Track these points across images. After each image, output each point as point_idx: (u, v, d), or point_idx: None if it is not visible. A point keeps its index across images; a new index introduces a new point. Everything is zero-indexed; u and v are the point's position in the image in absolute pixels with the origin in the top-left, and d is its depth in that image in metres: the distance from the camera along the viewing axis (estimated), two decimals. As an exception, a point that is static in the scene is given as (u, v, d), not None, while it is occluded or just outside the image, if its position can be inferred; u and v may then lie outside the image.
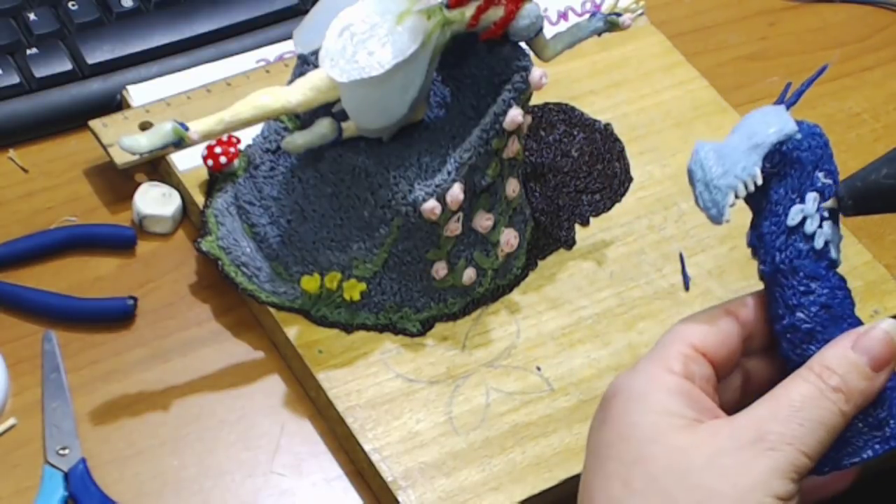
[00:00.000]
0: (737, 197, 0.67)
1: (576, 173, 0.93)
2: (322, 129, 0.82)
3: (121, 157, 0.89)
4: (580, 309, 0.87)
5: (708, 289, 0.89)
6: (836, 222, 0.68)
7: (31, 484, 0.78)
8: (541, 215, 0.90)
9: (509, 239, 0.86)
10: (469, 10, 0.81)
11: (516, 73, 0.82)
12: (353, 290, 0.83)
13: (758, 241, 0.68)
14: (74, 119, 0.94)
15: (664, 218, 0.92)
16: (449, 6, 0.80)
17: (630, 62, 1.01)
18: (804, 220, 0.66)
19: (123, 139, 0.77)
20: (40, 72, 0.94)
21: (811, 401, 0.62)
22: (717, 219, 0.67)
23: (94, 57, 0.95)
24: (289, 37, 0.94)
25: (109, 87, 0.95)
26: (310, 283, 0.83)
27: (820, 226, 0.66)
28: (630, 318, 0.87)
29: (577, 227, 0.91)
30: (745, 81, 1.05)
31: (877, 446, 0.65)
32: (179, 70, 0.96)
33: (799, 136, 0.67)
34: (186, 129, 0.77)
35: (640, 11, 0.88)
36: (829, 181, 0.67)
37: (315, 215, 0.84)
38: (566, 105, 0.97)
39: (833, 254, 0.67)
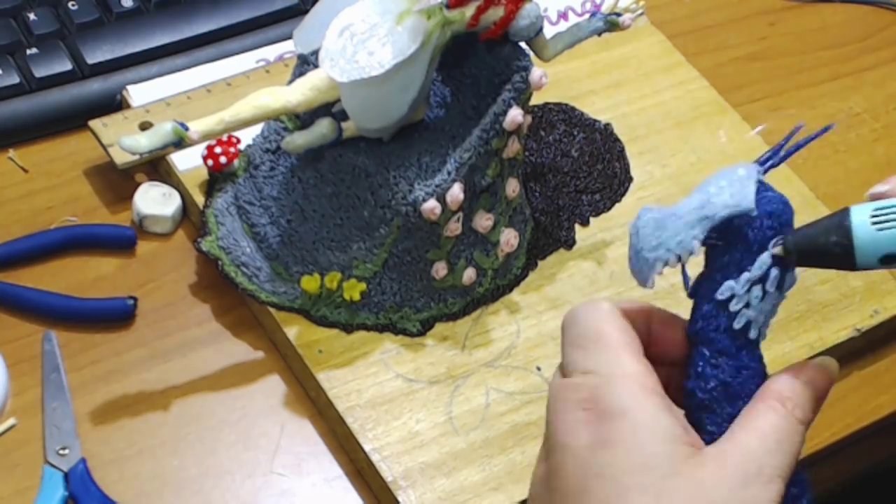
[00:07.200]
0: (667, 264, 0.65)
1: (576, 173, 0.93)
2: (322, 129, 0.82)
3: (121, 157, 0.89)
4: (580, 309, 0.87)
5: (708, 289, 0.89)
6: (776, 293, 0.66)
7: (31, 484, 0.78)
8: (541, 215, 0.90)
9: (509, 239, 0.86)
10: (469, 10, 0.81)
11: (516, 73, 0.82)
12: (353, 290, 0.83)
13: (694, 296, 0.67)
14: (74, 119, 0.93)
15: (664, 218, 0.92)
16: (449, 6, 0.80)
17: (630, 62, 1.01)
18: (731, 297, 0.65)
19: (123, 139, 0.77)
20: (40, 72, 0.94)
21: (785, 431, 0.64)
22: (642, 284, 0.66)
23: (94, 57, 0.95)
24: (289, 37, 0.94)
25: (109, 87, 0.95)
26: (310, 283, 0.83)
27: (747, 305, 0.65)
28: (630, 318, 0.87)
29: (577, 227, 0.91)
30: (745, 81, 1.05)
31: None
32: (179, 70, 0.96)
33: (755, 212, 0.64)
34: (186, 129, 0.77)
35: (640, 11, 0.88)
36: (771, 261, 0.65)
37: (315, 215, 0.84)
38: (566, 105, 0.97)
39: (752, 333, 0.65)
